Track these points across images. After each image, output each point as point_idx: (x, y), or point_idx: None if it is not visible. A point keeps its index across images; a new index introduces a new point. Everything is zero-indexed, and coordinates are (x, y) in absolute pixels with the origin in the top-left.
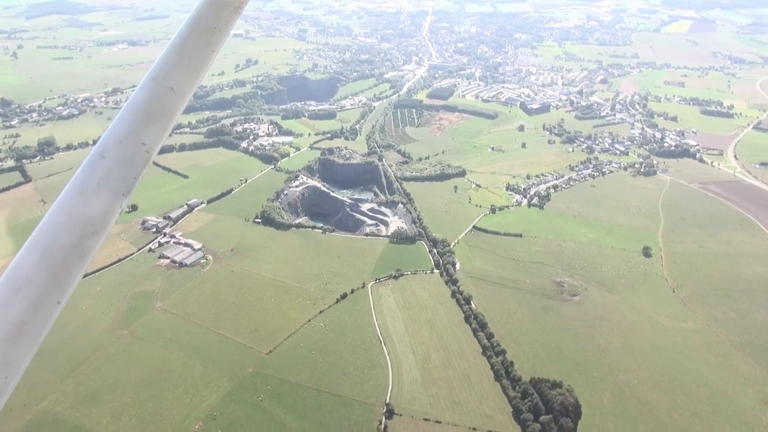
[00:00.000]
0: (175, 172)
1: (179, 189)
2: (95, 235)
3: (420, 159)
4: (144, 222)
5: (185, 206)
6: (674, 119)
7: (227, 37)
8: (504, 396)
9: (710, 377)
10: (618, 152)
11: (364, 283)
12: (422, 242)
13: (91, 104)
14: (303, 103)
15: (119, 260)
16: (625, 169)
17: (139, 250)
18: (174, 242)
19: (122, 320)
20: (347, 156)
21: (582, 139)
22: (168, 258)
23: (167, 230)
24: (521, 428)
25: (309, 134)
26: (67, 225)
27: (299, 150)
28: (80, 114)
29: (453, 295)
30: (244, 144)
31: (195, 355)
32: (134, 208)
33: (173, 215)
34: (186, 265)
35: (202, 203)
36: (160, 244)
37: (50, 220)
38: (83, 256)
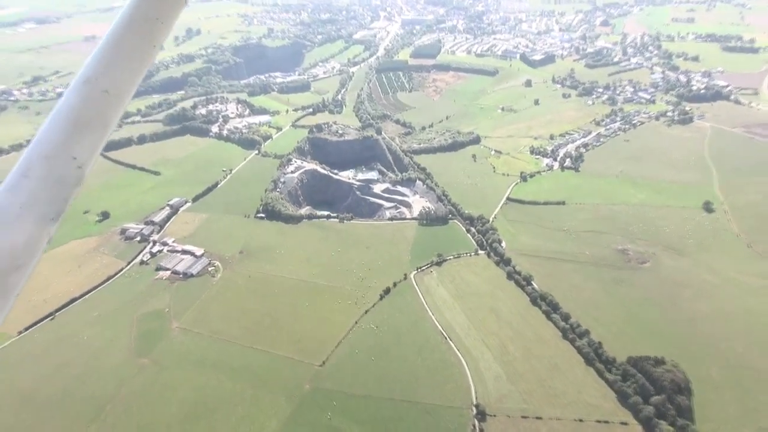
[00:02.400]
0: (143, 169)
1: (153, 188)
2: (19, 269)
3: (423, 128)
4: (124, 231)
5: (167, 207)
6: (695, 59)
7: (171, 30)
8: (602, 380)
9: None
10: (644, 101)
11: (405, 275)
12: (456, 221)
13: (11, 98)
14: (267, 75)
15: (109, 278)
16: (657, 118)
17: (129, 263)
18: (168, 250)
19: (138, 347)
20: (340, 132)
21: (600, 90)
22: (168, 269)
23: (155, 237)
24: (632, 414)
25: (287, 111)
26: None
27: (281, 130)
28: (0, 111)
29: (509, 276)
30: (214, 129)
31: (239, 378)
32: (106, 215)
33: (156, 219)
34: (193, 275)
35: (186, 202)
36: (153, 254)
37: None
38: (5, 295)
